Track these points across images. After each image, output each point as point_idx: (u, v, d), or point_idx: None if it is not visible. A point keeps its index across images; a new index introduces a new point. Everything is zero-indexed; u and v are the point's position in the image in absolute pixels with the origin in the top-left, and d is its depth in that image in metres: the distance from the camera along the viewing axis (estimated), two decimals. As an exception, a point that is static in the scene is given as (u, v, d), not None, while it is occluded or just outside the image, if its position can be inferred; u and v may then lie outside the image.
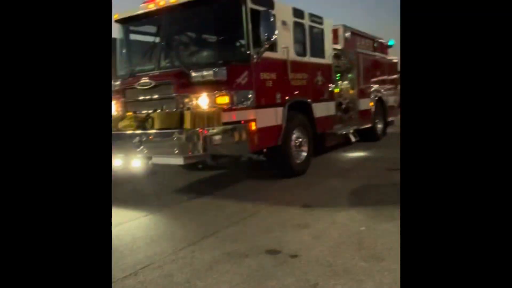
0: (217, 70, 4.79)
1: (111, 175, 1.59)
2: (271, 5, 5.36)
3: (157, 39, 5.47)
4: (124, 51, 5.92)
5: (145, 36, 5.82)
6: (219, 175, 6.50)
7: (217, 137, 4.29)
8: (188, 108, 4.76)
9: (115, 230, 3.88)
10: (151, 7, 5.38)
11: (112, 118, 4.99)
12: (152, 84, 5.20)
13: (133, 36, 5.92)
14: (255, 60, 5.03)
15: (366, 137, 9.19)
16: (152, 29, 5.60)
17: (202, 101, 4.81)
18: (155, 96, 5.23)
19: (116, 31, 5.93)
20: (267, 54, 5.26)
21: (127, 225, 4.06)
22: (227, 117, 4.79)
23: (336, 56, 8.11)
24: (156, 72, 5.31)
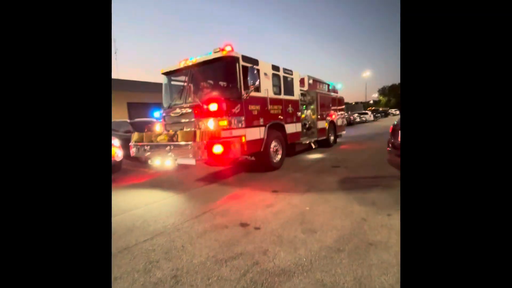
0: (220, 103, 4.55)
1: (111, 173, 1.05)
2: (255, 63, 5.11)
3: (185, 84, 5.26)
4: (166, 91, 5.71)
5: (178, 82, 5.62)
6: (225, 169, 6.20)
7: (215, 147, 4.04)
8: (199, 128, 4.53)
9: (149, 206, 3.66)
10: (182, 64, 5.20)
11: (154, 133, 4.79)
12: (180, 113, 4.99)
13: (171, 82, 5.72)
14: (245, 98, 4.78)
15: (322, 145, 8.88)
16: (182, 78, 5.41)
17: (210, 123, 4.58)
18: (182, 120, 5.01)
19: (162, 79, 5.77)
20: (253, 93, 5.01)
21: (158, 203, 3.82)
22: (228, 133, 4.56)
23: (303, 94, 7.80)
24: (184, 105, 5.10)
